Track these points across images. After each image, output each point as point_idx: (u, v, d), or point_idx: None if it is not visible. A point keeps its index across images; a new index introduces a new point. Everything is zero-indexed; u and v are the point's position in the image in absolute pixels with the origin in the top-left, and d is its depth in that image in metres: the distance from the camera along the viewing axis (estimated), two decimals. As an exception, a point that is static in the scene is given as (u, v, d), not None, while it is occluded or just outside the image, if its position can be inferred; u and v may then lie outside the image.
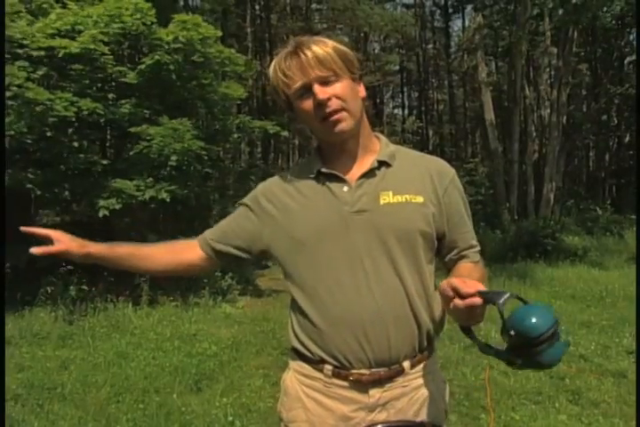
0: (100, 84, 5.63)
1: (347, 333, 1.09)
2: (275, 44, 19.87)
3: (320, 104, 1.08)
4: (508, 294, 0.89)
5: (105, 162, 5.49)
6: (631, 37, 17.91)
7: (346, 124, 1.11)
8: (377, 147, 1.21)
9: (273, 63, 1.14)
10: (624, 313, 5.17)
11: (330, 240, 1.12)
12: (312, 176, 1.18)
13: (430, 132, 25.45)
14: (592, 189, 19.17)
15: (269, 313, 5.63)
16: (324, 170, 1.16)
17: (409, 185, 1.15)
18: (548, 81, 15.21)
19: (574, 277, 7.14)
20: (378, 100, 24.60)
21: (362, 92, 1.17)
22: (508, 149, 15.04)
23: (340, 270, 1.11)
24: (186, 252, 1.29)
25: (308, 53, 1.08)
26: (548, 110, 14.21)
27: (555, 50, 13.81)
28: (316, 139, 1.25)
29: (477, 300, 0.90)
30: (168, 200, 5.42)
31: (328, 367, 1.12)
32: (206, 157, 5.93)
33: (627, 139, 19.03)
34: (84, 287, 5.37)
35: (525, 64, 13.88)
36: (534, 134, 15.51)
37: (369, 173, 1.15)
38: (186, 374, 3.69)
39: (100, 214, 5.22)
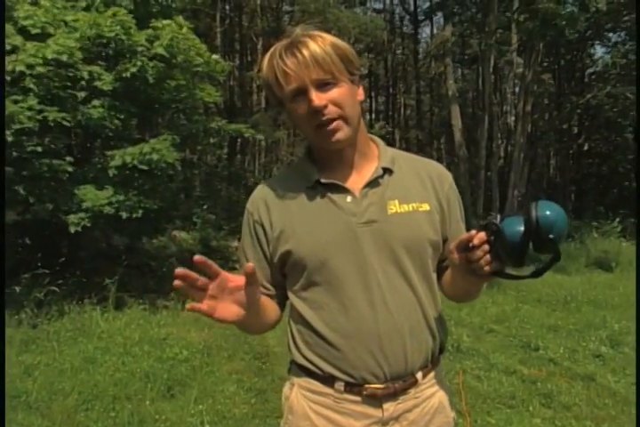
0: (69, 83, 5.36)
1: (362, 349, 1.04)
2: (244, 44, 19.79)
3: (315, 111, 1.00)
4: (493, 217, 0.97)
5: (70, 169, 5.17)
6: (592, 51, 18.62)
7: (342, 133, 1.03)
8: (375, 152, 1.14)
9: (267, 57, 1.04)
10: (589, 317, 5.31)
11: (339, 254, 1.05)
12: (309, 186, 1.10)
13: (397, 137, 25.70)
14: (553, 196, 19.69)
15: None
16: (323, 180, 1.08)
17: (413, 193, 1.11)
18: (514, 89, 15.59)
19: (539, 282, 7.27)
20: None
21: (360, 95, 1.10)
22: (474, 154, 15.32)
23: (352, 285, 1.05)
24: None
25: (305, 53, 0.99)
26: (514, 118, 14.56)
27: (521, 60, 14.17)
28: (309, 144, 1.16)
29: (481, 234, 0.94)
30: (140, 215, 5.25)
31: (340, 383, 1.07)
32: (180, 165, 5.79)
33: (585, 147, 19.67)
34: (54, 289, 5.16)
35: (492, 72, 14.18)
36: (500, 141, 15.86)
37: (373, 182, 1.09)
38: (157, 380, 3.58)
39: (72, 230, 5.01)
